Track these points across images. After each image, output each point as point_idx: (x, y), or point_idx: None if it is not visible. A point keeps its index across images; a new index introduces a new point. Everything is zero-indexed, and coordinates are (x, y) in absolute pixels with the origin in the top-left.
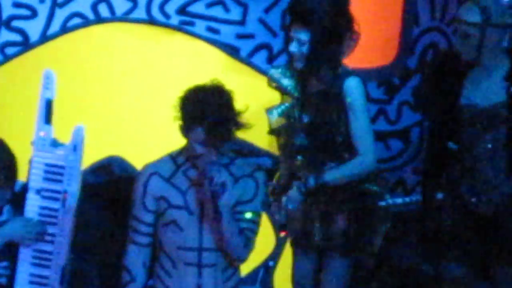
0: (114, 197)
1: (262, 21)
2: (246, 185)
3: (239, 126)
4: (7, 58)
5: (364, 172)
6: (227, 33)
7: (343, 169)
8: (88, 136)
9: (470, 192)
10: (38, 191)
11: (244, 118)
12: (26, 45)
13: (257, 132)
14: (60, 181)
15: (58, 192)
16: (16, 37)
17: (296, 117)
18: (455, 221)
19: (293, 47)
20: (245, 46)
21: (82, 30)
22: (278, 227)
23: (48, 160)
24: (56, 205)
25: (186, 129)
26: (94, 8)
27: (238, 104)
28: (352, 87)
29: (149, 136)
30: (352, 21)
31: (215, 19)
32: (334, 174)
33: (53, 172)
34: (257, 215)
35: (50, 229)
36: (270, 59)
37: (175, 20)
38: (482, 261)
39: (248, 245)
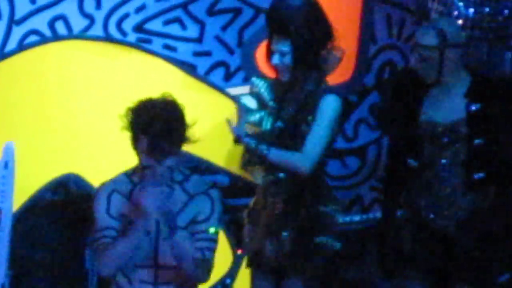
0: (71, 214)
1: (219, 39)
2: (201, 204)
3: (186, 140)
4: None
5: (295, 170)
6: (184, 50)
7: (283, 154)
8: (45, 153)
9: (429, 209)
10: None
11: (194, 132)
12: None
13: (214, 149)
14: None
15: None
16: None
17: (270, 127)
18: (414, 238)
19: (276, 60)
20: (202, 64)
21: (39, 48)
22: (235, 244)
23: None
24: None
25: (133, 139)
26: (51, 25)
27: (188, 118)
28: (328, 103)
29: (105, 154)
30: (331, 30)
31: (172, 37)
32: (276, 152)
33: None
34: (215, 233)
35: None
36: (227, 77)
37: (132, 37)
38: (441, 278)
39: (206, 264)
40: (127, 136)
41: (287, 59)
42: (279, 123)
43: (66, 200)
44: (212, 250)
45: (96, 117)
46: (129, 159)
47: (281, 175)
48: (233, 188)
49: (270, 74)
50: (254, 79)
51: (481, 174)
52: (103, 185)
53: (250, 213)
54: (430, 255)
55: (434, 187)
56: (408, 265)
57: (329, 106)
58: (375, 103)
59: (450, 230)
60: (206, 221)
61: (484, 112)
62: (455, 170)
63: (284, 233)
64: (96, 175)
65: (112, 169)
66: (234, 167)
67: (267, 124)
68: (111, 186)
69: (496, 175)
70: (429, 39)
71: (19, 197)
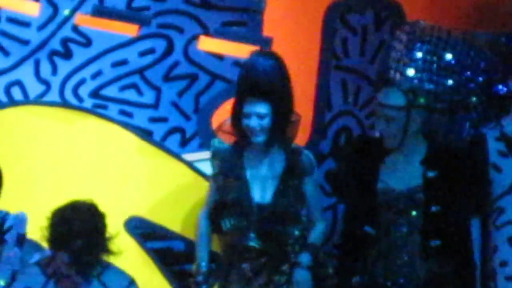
0: None
1: (175, 105)
2: None
3: (108, 252)
4: None
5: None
6: (140, 116)
7: (316, 239)
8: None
9: (386, 276)
10: None
11: (157, 202)
12: None
13: (170, 215)
14: None
15: None
16: None
17: (246, 198)
18: None
19: (254, 122)
20: (158, 130)
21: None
22: None
23: None
24: None
25: (52, 249)
26: (7, 90)
27: (109, 226)
28: (312, 161)
29: None
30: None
31: (128, 102)
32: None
33: None
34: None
35: None
36: (183, 143)
37: (88, 103)
38: None
39: None
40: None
41: (266, 121)
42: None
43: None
44: None
45: (52, 182)
46: None
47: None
48: (188, 254)
49: (226, 139)
50: (216, 141)
51: (437, 242)
52: (15, 280)
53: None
54: None
55: (391, 254)
56: None
57: (314, 165)
58: (330, 169)
59: None
60: None
61: (440, 179)
62: (412, 238)
63: None
64: None
65: None
66: (190, 232)
67: (257, 193)
68: (24, 283)
69: (452, 242)
70: (396, 99)
71: None
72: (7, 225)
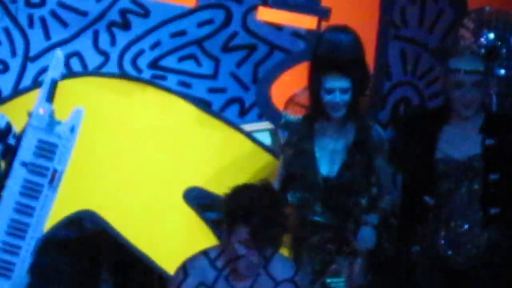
0: (85, 251)
1: (234, 75)
2: None
3: (286, 230)
4: None
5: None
6: (199, 87)
7: (386, 204)
8: (59, 190)
9: (446, 245)
10: (24, 164)
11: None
12: None
13: (229, 185)
14: (50, 159)
15: (46, 168)
16: None
17: (312, 171)
18: (430, 274)
19: (338, 97)
20: (217, 100)
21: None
22: None
23: (42, 136)
24: (42, 180)
25: (228, 228)
26: (66, 62)
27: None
28: (382, 136)
29: (121, 189)
30: None
31: (187, 73)
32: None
33: (45, 149)
34: None
35: (32, 203)
36: (242, 113)
37: (147, 74)
38: None
39: None
40: (142, 171)
41: (347, 96)
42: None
43: (80, 237)
44: None
45: (111, 153)
46: (145, 193)
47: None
48: None
49: (297, 112)
50: (286, 113)
51: (497, 209)
52: (188, 273)
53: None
54: None
55: (451, 224)
56: None
57: (384, 138)
58: (389, 139)
59: (467, 266)
60: None
61: (499, 147)
62: (472, 206)
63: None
64: (111, 211)
65: (128, 204)
66: None
67: (325, 166)
68: (198, 278)
69: None
70: (478, 64)
71: None
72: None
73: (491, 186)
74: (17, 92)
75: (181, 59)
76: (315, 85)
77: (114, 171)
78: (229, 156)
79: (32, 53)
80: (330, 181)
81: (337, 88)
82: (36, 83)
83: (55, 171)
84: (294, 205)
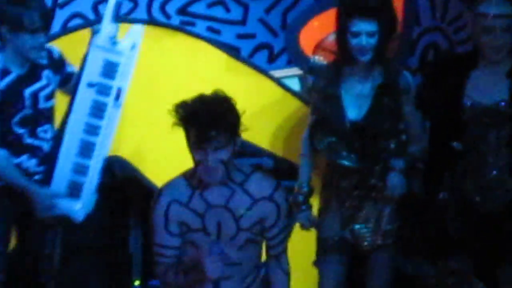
0: (115, 197)
1: (262, 21)
2: (266, 209)
3: (235, 131)
4: None
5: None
6: (228, 33)
7: (414, 151)
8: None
9: (475, 191)
10: (91, 85)
11: (244, 119)
12: None
13: (258, 131)
14: (113, 78)
15: (110, 87)
16: None
17: (339, 115)
18: (458, 220)
19: (364, 41)
20: (246, 46)
21: (83, 31)
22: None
23: (107, 57)
24: (107, 99)
25: (186, 137)
26: (94, 8)
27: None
28: (409, 81)
29: (149, 136)
30: None
31: (216, 19)
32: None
33: (109, 69)
34: (285, 233)
35: (99, 122)
36: (271, 59)
37: (175, 20)
38: (486, 260)
39: (284, 270)
40: (169, 119)
41: (374, 40)
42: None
43: (111, 183)
44: (285, 250)
45: (140, 100)
46: (172, 141)
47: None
48: (277, 170)
49: (325, 57)
50: (314, 60)
51: None
52: (161, 193)
53: (305, 195)
54: (475, 237)
55: (479, 170)
56: (453, 247)
57: (412, 84)
58: (417, 85)
59: (496, 212)
60: (273, 226)
61: None
62: (501, 152)
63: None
64: (141, 158)
65: (156, 151)
66: (278, 149)
67: (353, 110)
68: (170, 196)
69: None
70: (504, 8)
71: None
72: None
73: None
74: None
75: (209, 5)
76: (341, 29)
77: (144, 118)
78: (258, 102)
79: (60, 0)
80: (357, 125)
81: (363, 31)
82: (65, 30)
83: (119, 89)
84: (323, 150)
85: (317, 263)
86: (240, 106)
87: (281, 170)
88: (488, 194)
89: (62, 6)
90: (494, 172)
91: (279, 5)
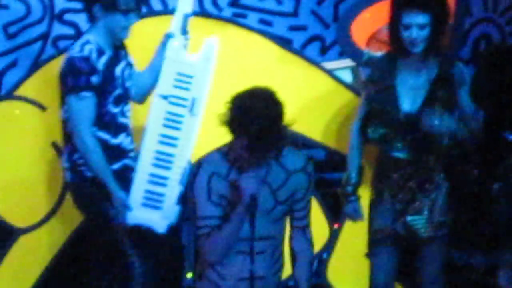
0: None
1: (314, 13)
2: (299, 181)
3: (284, 139)
4: (59, 52)
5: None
6: (280, 25)
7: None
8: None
9: None
10: (165, 97)
11: (296, 110)
12: (78, 37)
13: (310, 123)
14: (188, 89)
15: (185, 99)
16: (69, 30)
17: (394, 107)
18: (510, 211)
19: (415, 33)
20: (298, 38)
21: (137, 23)
22: (331, 219)
23: (179, 69)
24: (182, 111)
25: (232, 133)
26: (146, 1)
27: (288, 108)
28: (463, 72)
29: (204, 125)
30: None
31: (268, 11)
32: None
33: (183, 81)
34: (310, 206)
35: (174, 133)
36: (323, 51)
37: (227, 12)
38: None
39: (310, 241)
40: (223, 110)
41: (425, 32)
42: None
43: None
44: (310, 223)
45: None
46: (223, 133)
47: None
48: (329, 162)
49: (379, 48)
50: (369, 52)
51: None
52: (201, 167)
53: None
54: None
55: None
56: (505, 238)
57: (467, 74)
58: (470, 76)
59: None
60: (303, 199)
61: None
62: None
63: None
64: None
65: (209, 142)
66: (330, 141)
67: (407, 103)
68: (210, 169)
69: None
70: None
71: None
72: None
73: None
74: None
75: None
76: (394, 21)
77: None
78: (311, 93)
79: None
80: (412, 117)
81: (414, 23)
82: None
83: (193, 100)
84: (375, 141)
85: (369, 254)
86: (292, 98)
87: (332, 161)
88: None
89: None
90: None
91: None
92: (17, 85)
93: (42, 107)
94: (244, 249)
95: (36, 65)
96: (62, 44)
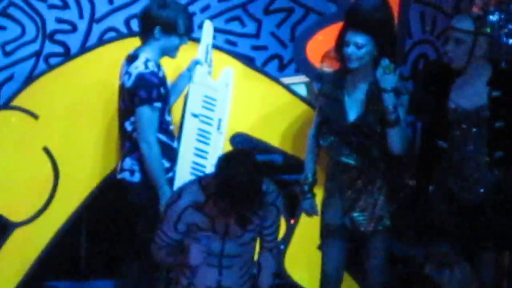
0: None
1: (274, 35)
2: (269, 213)
3: (261, 197)
4: (50, 68)
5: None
6: (244, 45)
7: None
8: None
9: (457, 185)
10: (195, 115)
11: (258, 120)
12: (67, 55)
13: (270, 131)
14: (213, 110)
15: (211, 118)
16: (59, 49)
17: (341, 117)
18: (444, 210)
19: (350, 50)
20: (259, 56)
21: (117, 42)
22: (288, 215)
23: (206, 92)
24: (210, 128)
25: (215, 188)
26: (126, 23)
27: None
28: (402, 85)
29: None
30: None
31: (233, 33)
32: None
33: (209, 103)
34: (278, 232)
35: (205, 147)
36: (281, 68)
37: (198, 34)
38: (468, 246)
39: (278, 258)
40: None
41: (362, 51)
42: (351, 115)
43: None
44: (278, 245)
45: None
46: None
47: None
48: (286, 165)
49: (331, 65)
50: (322, 68)
51: (501, 153)
52: (181, 196)
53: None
54: (457, 225)
55: (462, 165)
56: (439, 234)
57: (404, 87)
58: (410, 92)
59: (476, 203)
60: (271, 226)
61: (504, 98)
62: (480, 151)
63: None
64: None
65: None
66: (287, 147)
67: (352, 112)
68: (187, 201)
69: None
70: (466, 24)
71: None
72: None
73: (496, 133)
74: (84, 49)
75: (227, 21)
76: (339, 37)
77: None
78: (270, 105)
79: (97, 15)
80: (357, 126)
81: (352, 42)
82: (101, 41)
83: (219, 120)
84: (326, 147)
85: (321, 246)
86: (254, 109)
87: (289, 165)
88: (468, 187)
89: (98, 21)
90: (474, 167)
91: (288, 21)
92: (13, 96)
93: (35, 116)
94: (213, 263)
95: (30, 79)
96: (53, 61)
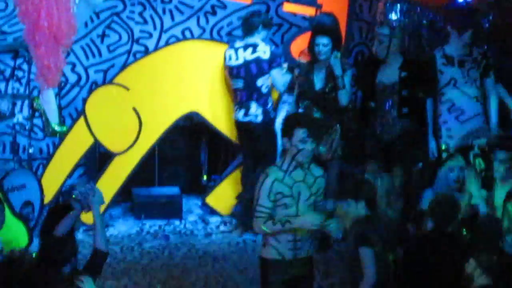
0: (193, 132)
1: (271, 40)
2: (320, 183)
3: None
4: (136, 60)
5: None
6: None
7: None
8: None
9: (380, 128)
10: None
11: None
12: (146, 53)
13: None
14: None
15: None
16: (141, 48)
17: (312, 88)
18: (373, 144)
19: (320, 48)
20: None
21: (176, 45)
22: None
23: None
24: None
25: (288, 135)
26: (182, 32)
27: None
28: (345, 62)
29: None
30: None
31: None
32: None
33: None
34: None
35: None
36: None
37: (225, 39)
38: (387, 165)
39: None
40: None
41: (327, 48)
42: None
43: (191, 125)
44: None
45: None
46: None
47: None
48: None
49: (305, 58)
50: (299, 60)
51: (405, 109)
52: (268, 175)
53: None
54: (381, 152)
55: (383, 117)
56: (371, 158)
57: (346, 63)
58: (353, 73)
59: (391, 140)
60: (322, 193)
61: (409, 77)
62: (394, 108)
63: None
64: (207, 112)
65: (217, 109)
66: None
67: (318, 85)
68: (272, 177)
69: (415, 110)
70: (385, 31)
71: (164, 121)
72: None
73: (403, 97)
74: (156, 48)
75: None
76: (311, 41)
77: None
78: None
79: (165, 28)
80: (321, 93)
81: (320, 43)
82: (166, 44)
83: None
84: (303, 108)
85: None
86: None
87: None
88: (386, 130)
89: (165, 31)
90: (390, 118)
91: (279, 31)
92: (114, 77)
93: (127, 88)
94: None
95: (124, 66)
96: (138, 56)
